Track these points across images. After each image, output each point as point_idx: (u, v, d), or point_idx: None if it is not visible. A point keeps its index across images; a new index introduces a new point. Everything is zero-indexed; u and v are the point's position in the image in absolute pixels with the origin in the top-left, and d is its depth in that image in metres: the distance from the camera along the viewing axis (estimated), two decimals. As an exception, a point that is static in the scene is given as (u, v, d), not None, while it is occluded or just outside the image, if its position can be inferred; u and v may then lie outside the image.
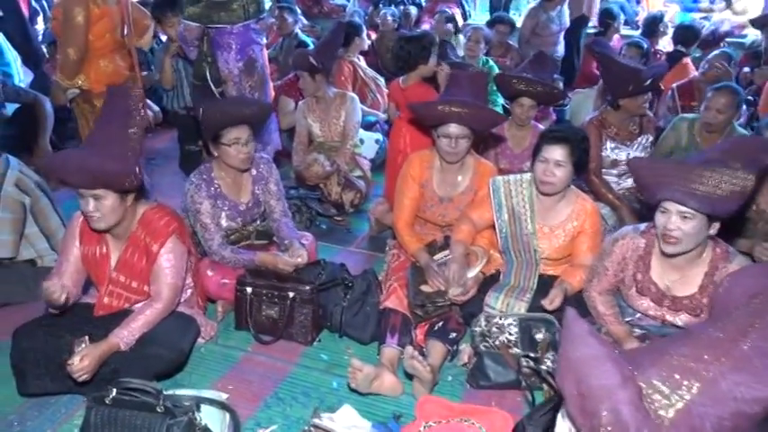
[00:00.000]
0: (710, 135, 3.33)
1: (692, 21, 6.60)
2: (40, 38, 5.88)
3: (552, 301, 2.43)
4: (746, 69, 5.18)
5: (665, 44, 6.00)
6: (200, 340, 2.56)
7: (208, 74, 3.38)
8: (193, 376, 2.45)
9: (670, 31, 5.87)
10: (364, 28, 5.27)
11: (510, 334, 2.42)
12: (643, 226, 2.26)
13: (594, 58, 3.52)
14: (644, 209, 3.34)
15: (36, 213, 2.89)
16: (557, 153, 2.44)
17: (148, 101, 4.07)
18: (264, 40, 3.52)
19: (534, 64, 3.46)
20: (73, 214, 2.40)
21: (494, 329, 2.43)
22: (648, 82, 3.03)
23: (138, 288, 2.37)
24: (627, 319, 2.34)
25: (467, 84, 2.73)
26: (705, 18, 8.36)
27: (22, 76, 6.05)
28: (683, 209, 1.95)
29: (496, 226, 2.64)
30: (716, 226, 2.02)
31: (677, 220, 1.97)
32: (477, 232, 2.72)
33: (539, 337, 2.40)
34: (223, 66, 3.30)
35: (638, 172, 2.09)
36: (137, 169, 2.19)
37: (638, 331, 2.32)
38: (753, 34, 7.04)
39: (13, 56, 5.45)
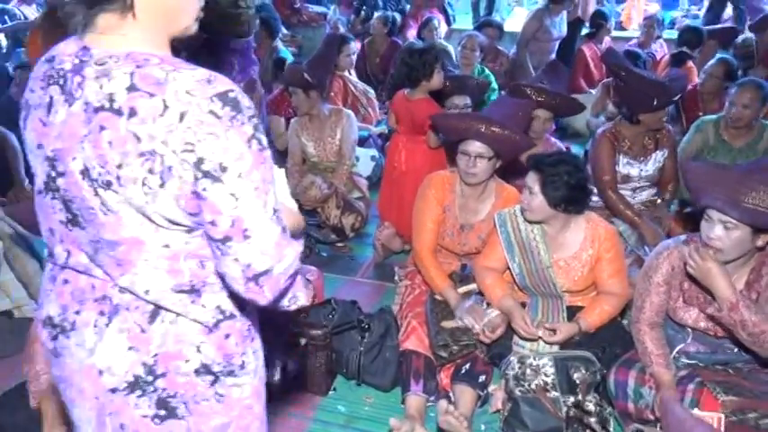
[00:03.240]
0: (737, 131, 3.32)
1: (691, 22, 6.53)
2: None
3: (552, 334, 2.23)
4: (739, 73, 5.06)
5: (658, 47, 5.88)
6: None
7: None
8: (198, 439, 2.19)
9: (665, 34, 5.76)
10: (352, 40, 5.00)
11: (546, 375, 2.21)
12: (684, 237, 2.14)
13: (610, 70, 3.31)
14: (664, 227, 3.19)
15: (11, 258, 2.60)
16: (529, 179, 2.27)
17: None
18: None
19: (549, 74, 3.28)
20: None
21: (528, 372, 2.22)
22: (677, 97, 2.86)
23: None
24: (678, 347, 2.15)
25: (508, 107, 2.53)
26: (686, 16, 8.33)
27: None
28: (726, 218, 1.87)
29: (509, 264, 2.41)
30: (765, 238, 1.91)
31: (720, 228, 1.89)
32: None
33: (577, 376, 2.20)
34: None
35: (686, 175, 2.05)
36: None
37: (684, 362, 2.14)
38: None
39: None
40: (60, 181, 1.05)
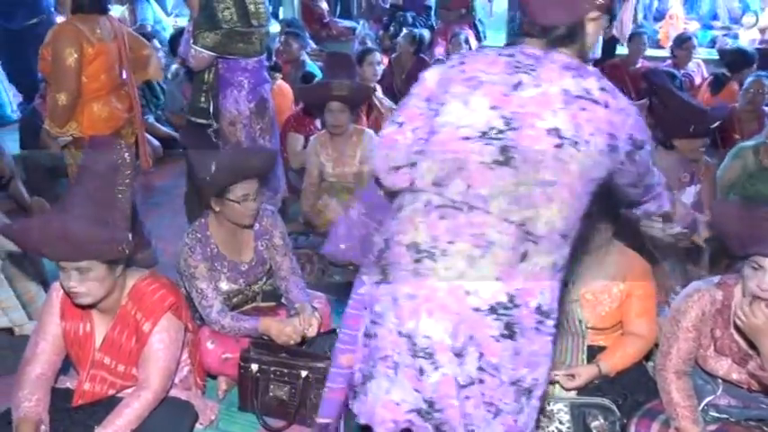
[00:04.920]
0: None
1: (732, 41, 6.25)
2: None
3: (571, 379, 2.10)
4: None
5: (695, 67, 5.66)
6: (197, 425, 2.22)
7: (210, 107, 3.05)
8: (190, 474, 2.10)
9: (705, 53, 5.52)
10: (375, 50, 4.89)
11: (561, 423, 2.07)
12: (716, 278, 1.98)
13: (651, 90, 3.16)
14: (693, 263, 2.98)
15: (11, 276, 2.55)
16: None
17: (147, 135, 3.77)
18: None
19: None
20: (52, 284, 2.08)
21: (541, 418, 2.07)
22: (716, 125, 2.70)
23: (125, 372, 2.03)
24: (707, 399, 2.00)
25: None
26: (726, 35, 8.05)
27: (14, 107, 5.78)
28: None
29: None
30: None
31: None
32: None
33: (594, 426, 2.06)
34: (232, 106, 2.98)
35: (722, 219, 1.85)
36: (128, 235, 1.88)
37: (713, 416, 1.98)
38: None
39: (4, 86, 5.18)
40: (510, 133, 1.38)
